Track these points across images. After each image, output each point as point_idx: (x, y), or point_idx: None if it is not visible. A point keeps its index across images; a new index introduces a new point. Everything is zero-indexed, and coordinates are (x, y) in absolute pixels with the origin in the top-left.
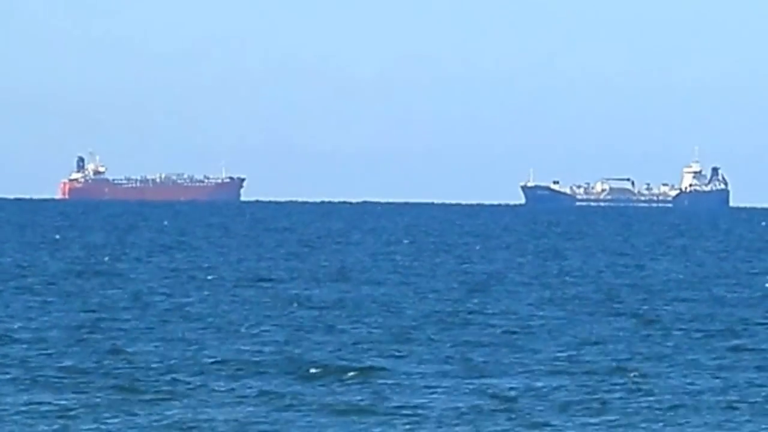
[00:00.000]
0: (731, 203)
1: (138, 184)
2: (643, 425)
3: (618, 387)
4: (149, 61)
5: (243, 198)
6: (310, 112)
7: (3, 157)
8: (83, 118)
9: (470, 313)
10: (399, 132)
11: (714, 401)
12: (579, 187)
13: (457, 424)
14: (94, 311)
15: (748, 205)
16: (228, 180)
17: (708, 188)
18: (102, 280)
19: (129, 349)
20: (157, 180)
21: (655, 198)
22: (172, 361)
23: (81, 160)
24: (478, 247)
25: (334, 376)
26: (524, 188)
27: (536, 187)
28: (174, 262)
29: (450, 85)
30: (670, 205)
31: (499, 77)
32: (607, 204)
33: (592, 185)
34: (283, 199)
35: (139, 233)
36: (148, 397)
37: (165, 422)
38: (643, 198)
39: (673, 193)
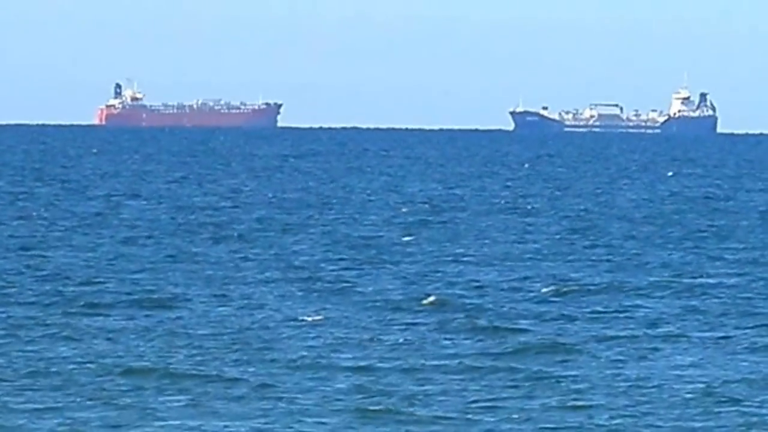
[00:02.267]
0: (719, 129)
1: (175, 111)
2: None
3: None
4: None
5: (280, 124)
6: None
7: (41, 84)
8: (121, 45)
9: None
10: (390, 60)
11: None
12: (568, 113)
13: None
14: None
15: (735, 131)
16: (264, 106)
17: (696, 114)
18: None
19: None
20: (194, 106)
21: (643, 124)
22: None
23: (118, 86)
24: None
25: None
26: (513, 114)
27: (525, 113)
28: None
29: (442, 11)
30: (658, 130)
31: (491, 4)
32: (595, 130)
33: (580, 111)
34: (319, 126)
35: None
36: None
37: None
38: (631, 124)
39: (662, 119)
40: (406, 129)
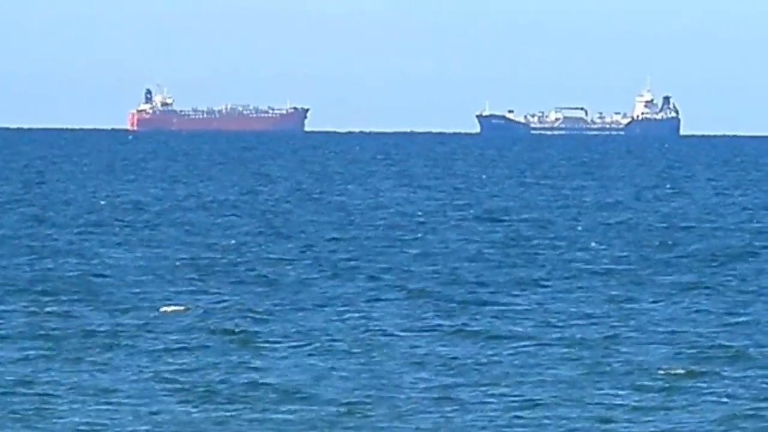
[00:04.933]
0: (682, 131)
1: (204, 116)
2: None
3: None
4: None
5: (307, 129)
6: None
7: (74, 89)
8: (153, 50)
9: None
10: (362, 60)
11: None
12: (533, 116)
13: None
14: None
15: (698, 133)
16: (292, 111)
17: (659, 116)
18: None
19: None
20: (223, 111)
21: (607, 126)
22: None
23: (149, 92)
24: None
25: None
26: (480, 117)
27: (491, 116)
28: None
29: (410, 15)
30: (622, 132)
31: (457, 7)
32: (561, 132)
33: (546, 114)
34: (346, 130)
35: None
36: None
37: None
38: (595, 126)
39: (625, 121)
40: (376, 132)
